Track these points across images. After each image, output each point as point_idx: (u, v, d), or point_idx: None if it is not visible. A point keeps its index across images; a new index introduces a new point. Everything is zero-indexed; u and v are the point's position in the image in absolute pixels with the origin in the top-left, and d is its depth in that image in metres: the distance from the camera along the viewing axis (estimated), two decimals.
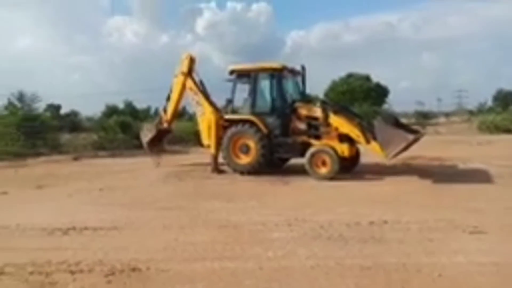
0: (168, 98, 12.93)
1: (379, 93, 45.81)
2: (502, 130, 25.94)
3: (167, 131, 13.74)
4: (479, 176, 10.03)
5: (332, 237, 5.43)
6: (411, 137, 9.28)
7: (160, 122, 13.31)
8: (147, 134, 13.42)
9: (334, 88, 47.02)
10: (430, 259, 4.52)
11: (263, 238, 5.44)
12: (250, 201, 7.82)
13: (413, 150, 14.55)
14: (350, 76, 47.27)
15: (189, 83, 12.33)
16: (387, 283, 3.94)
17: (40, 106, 24.39)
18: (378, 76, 60.49)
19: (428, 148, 15.87)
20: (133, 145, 19.03)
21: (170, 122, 13.24)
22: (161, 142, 14.02)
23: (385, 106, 46.30)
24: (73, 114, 49.59)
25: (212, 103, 12.12)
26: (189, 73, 12.41)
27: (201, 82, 12.49)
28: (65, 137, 23.50)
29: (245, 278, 4.09)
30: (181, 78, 12.41)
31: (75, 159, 16.65)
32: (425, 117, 50.42)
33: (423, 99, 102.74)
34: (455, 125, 41.88)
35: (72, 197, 8.60)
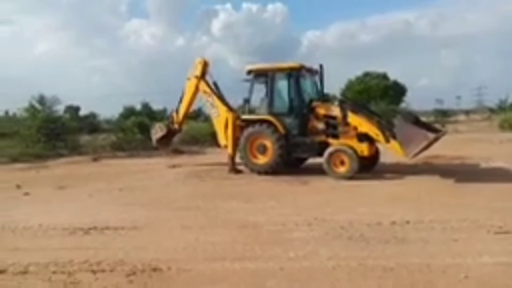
0: (181, 100, 13.16)
1: (397, 91, 45.27)
2: None
3: (177, 131, 14.14)
4: (502, 175, 9.79)
5: (353, 237, 5.35)
6: (432, 136, 9.10)
7: (172, 122, 13.69)
8: (158, 131, 13.80)
9: (350, 87, 46.63)
10: (455, 260, 4.41)
11: (283, 238, 5.40)
12: (269, 201, 7.79)
13: (434, 149, 14.30)
14: (366, 75, 46.81)
15: (203, 86, 12.51)
16: (411, 284, 3.85)
17: (60, 109, 24.79)
18: (395, 75, 59.55)
19: (449, 147, 15.58)
20: (150, 145, 19.17)
21: (181, 123, 13.66)
22: (170, 140, 14.38)
23: (403, 105, 45.74)
24: (92, 116, 50.34)
25: (226, 104, 12.18)
26: (203, 76, 12.57)
27: (215, 84, 12.60)
28: (85, 138, 23.87)
29: (267, 279, 4.06)
30: (194, 81, 12.61)
31: (95, 160, 16.87)
32: (444, 115, 49.67)
33: (442, 97, 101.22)
34: (475, 123, 41.08)
35: (92, 197, 8.70)
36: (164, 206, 7.59)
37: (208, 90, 12.42)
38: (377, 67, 67.54)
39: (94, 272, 4.36)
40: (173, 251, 4.96)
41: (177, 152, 18.54)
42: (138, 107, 43.49)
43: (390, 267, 4.24)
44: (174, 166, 13.66)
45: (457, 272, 4.08)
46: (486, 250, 4.67)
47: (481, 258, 4.46)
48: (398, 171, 10.79)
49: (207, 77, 12.67)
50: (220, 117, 12.04)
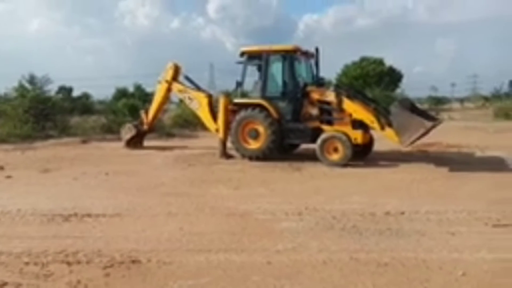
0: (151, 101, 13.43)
1: (393, 77, 44.84)
2: None
3: (146, 132, 14.05)
4: (498, 165, 9.59)
5: (346, 228, 5.11)
6: (429, 124, 8.84)
7: (141, 123, 13.67)
8: (127, 132, 13.68)
9: (347, 72, 46.13)
10: (452, 255, 4.19)
11: (272, 228, 5.14)
12: (259, 188, 7.52)
13: (429, 137, 14.02)
14: (363, 60, 46.25)
15: (176, 86, 12.78)
16: (407, 281, 3.62)
17: (52, 89, 24.20)
18: (391, 61, 59.21)
19: (444, 135, 15.36)
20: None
21: (150, 125, 13.65)
22: (140, 141, 14.04)
23: (398, 91, 45.45)
24: (85, 97, 49.63)
25: (203, 91, 12.55)
26: (174, 79, 12.78)
27: (187, 77, 12.83)
28: (75, 119, 23.35)
29: (252, 273, 3.80)
30: (164, 85, 12.89)
31: (83, 142, 16.46)
32: (438, 102, 49.49)
33: (437, 84, 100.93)
34: (469, 111, 40.90)
35: (77, 181, 8.38)
36: (150, 192, 7.30)
37: (182, 88, 12.69)
38: (374, 53, 66.96)
39: (69, 263, 4.08)
40: (155, 241, 4.68)
41: (169, 135, 18.26)
42: (131, 89, 42.93)
43: (384, 262, 4.01)
44: (163, 149, 13.34)
45: (455, 269, 3.85)
46: (484, 245, 4.45)
47: (479, 253, 4.24)
48: (393, 158, 10.57)
49: (179, 78, 12.90)
50: (201, 107, 12.09)
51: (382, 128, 9.50)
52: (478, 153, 11.50)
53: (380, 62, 45.38)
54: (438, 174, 8.72)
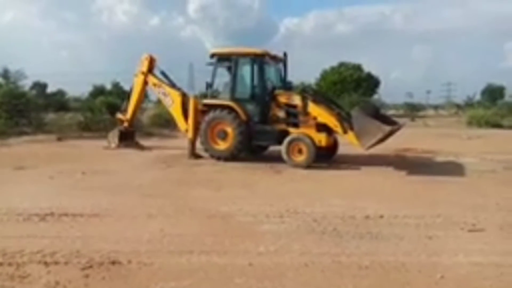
0: (128, 98, 13.18)
1: (370, 83, 45.57)
2: (491, 125, 25.95)
3: (131, 131, 13.79)
4: (472, 171, 9.84)
5: (327, 231, 5.15)
6: (387, 128, 9.17)
7: (121, 123, 13.45)
8: (113, 137, 13.37)
9: (325, 77, 46.62)
10: (431, 259, 4.28)
11: (254, 230, 5.14)
12: (240, 190, 7.52)
13: (405, 142, 14.46)
14: (341, 65, 46.84)
15: (152, 79, 12.61)
16: (387, 284, 3.68)
17: (26, 84, 23.59)
18: (369, 66, 60.05)
19: (419, 141, 15.77)
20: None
21: (131, 121, 13.39)
22: (131, 139, 13.83)
23: (375, 97, 46.26)
24: (60, 94, 48.51)
25: (178, 89, 12.32)
26: (150, 71, 12.63)
27: (163, 73, 12.71)
28: (50, 116, 22.79)
29: (235, 275, 3.79)
30: (141, 77, 12.69)
31: (59, 139, 16.08)
32: (414, 109, 50.54)
33: (413, 91, 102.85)
34: (443, 118, 41.95)
35: (53, 180, 8.18)
36: (129, 192, 7.18)
37: (157, 81, 12.52)
38: (352, 58, 68.05)
39: (46, 264, 3.97)
40: (135, 242, 4.61)
41: (148, 135, 18.04)
42: (109, 86, 42.23)
43: (365, 265, 4.06)
44: (142, 149, 13.17)
45: (433, 272, 3.93)
46: (460, 249, 4.56)
47: (457, 257, 4.35)
48: (372, 163, 10.74)
49: (155, 71, 12.74)
50: (175, 104, 11.99)
51: (345, 131, 9.83)
52: (453, 159, 11.79)
53: (358, 67, 46.06)
54: (415, 178, 8.89)
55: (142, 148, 13.52)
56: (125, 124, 13.35)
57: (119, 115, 13.53)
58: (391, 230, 5.23)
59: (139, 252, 4.30)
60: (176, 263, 4.05)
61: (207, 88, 11.43)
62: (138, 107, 13.68)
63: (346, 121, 9.93)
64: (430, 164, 11.01)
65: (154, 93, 12.87)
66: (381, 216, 5.81)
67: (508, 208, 6.40)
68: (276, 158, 11.29)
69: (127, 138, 13.52)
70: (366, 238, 4.92)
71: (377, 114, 10.26)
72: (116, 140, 13.23)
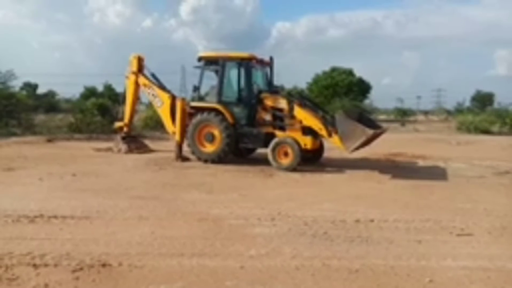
0: (124, 102, 13.19)
1: (362, 88, 45.87)
2: (480, 131, 26.25)
3: (133, 136, 13.82)
4: (461, 176, 9.96)
5: (317, 234, 5.18)
6: (370, 131, 9.29)
7: (121, 130, 13.32)
8: (117, 145, 13.22)
9: (317, 81, 46.83)
10: (420, 263, 4.32)
11: (245, 233, 5.15)
12: (232, 193, 7.52)
13: (395, 147, 14.60)
14: (333, 70, 47.09)
15: (142, 80, 12.61)
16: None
17: (16, 85, 23.38)
18: (361, 72, 60.64)
19: (410, 146, 15.93)
20: (110, 129, 18.42)
21: (129, 125, 13.32)
22: (137, 141, 13.89)
23: (367, 102, 46.60)
24: (51, 95, 48.18)
25: (168, 91, 12.32)
26: (140, 71, 12.63)
27: (153, 74, 12.70)
28: (40, 118, 22.62)
29: (226, 278, 3.80)
30: (132, 78, 12.68)
31: (49, 141, 15.94)
32: (404, 114, 51.02)
33: (403, 96, 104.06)
34: (433, 123, 42.34)
35: (42, 182, 8.11)
36: (120, 195, 7.14)
37: (147, 82, 12.52)
38: (344, 63, 68.57)
39: (36, 266, 3.94)
40: (126, 244, 4.59)
41: (140, 137, 17.93)
42: (100, 88, 42.03)
43: (355, 269, 4.09)
44: (133, 152, 13.10)
45: (422, 276, 3.97)
46: (449, 253, 4.62)
47: (445, 261, 4.40)
48: (362, 167, 10.82)
49: (144, 71, 12.75)
50: (164, 106, 12.02)
51: (330, 135, 9.97)
52: (442, 164, 11.91)
53: (350, 72, 46.34)
54: (404, 183, 8.97)
55: (150, 150, 13.52)
56: (125, 129, 13.22)
57: (118, 124, 13.40)
58: (381, 234, 5.28)
59: (130, 254, 4.29)
60: (167, 266, 4.04)
61: (194, 91, 11.56)
62: (134, 109, 13.55)
63: (330, 124, 10.08)
64: (419, 169, 11.12)
65: (144, 93, 12.82)
66: (372, 220, 5.86)
67: (496, 213, 6.49)
68: (268, 161, 11.33)
69: (134, 141, 13.53)
70: (356, 241, 4.95)
71: (361, 117, 10.48)
72: (121, 145, 13.07)
